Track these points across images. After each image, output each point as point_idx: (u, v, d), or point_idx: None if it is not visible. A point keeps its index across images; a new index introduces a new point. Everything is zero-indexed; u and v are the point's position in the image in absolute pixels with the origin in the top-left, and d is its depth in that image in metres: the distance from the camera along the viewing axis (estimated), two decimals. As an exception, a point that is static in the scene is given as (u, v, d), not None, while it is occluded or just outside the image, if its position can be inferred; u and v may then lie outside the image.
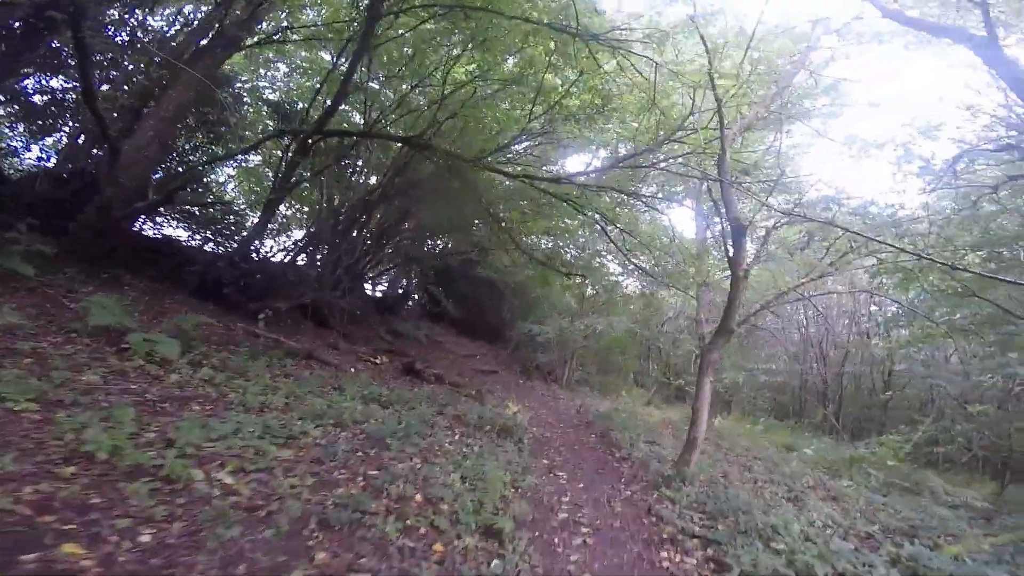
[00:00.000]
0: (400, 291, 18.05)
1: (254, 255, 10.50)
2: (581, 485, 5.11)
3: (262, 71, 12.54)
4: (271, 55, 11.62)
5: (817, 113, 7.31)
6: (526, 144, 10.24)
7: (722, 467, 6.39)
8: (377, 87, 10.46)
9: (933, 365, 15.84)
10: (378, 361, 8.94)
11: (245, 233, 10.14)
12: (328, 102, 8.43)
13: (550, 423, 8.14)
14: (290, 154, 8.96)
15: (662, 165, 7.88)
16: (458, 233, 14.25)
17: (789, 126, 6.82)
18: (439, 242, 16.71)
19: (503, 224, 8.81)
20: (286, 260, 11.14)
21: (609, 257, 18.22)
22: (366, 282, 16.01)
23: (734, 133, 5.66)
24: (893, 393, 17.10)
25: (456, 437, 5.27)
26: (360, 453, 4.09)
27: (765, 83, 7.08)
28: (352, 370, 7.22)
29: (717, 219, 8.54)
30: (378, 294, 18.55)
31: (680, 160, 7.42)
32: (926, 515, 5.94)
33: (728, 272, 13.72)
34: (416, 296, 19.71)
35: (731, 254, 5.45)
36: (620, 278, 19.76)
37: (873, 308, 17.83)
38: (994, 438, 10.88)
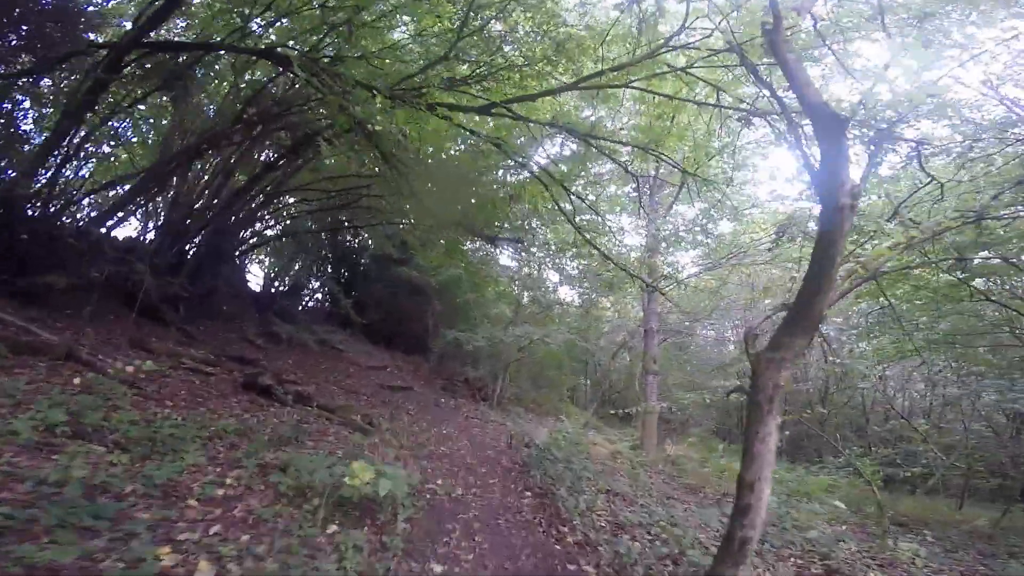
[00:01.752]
0: (286, 287, 14.71)
1: (43, 212, 7.08)
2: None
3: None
4: None
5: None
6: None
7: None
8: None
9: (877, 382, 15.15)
10: (209, 371, 5.90)
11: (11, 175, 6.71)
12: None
13: (467, 466, 5.52)
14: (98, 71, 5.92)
15: (638, 85, 5.66)
16: (356, 206, 11.32)
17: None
18: (345, 222, 13.63)
19: (396, 164, 6.07)
20: (104, 223, 7.75)
21: (548, 263, 16.46)
22: (246, 271, 12.66)
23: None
24: (829, 411, 16.33)
25: (219, 528, 2.44)
26: None
27: None
28: (112, 375, 4.18)
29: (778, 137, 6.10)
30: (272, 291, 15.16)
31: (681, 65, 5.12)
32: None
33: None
34: (320, 296, 16.51)
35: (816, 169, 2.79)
36: (557, 285, 18.12)
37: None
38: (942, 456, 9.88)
